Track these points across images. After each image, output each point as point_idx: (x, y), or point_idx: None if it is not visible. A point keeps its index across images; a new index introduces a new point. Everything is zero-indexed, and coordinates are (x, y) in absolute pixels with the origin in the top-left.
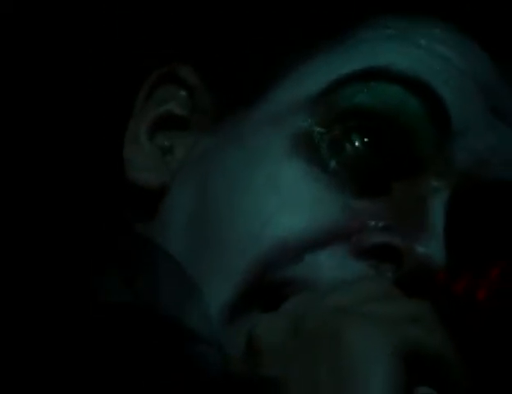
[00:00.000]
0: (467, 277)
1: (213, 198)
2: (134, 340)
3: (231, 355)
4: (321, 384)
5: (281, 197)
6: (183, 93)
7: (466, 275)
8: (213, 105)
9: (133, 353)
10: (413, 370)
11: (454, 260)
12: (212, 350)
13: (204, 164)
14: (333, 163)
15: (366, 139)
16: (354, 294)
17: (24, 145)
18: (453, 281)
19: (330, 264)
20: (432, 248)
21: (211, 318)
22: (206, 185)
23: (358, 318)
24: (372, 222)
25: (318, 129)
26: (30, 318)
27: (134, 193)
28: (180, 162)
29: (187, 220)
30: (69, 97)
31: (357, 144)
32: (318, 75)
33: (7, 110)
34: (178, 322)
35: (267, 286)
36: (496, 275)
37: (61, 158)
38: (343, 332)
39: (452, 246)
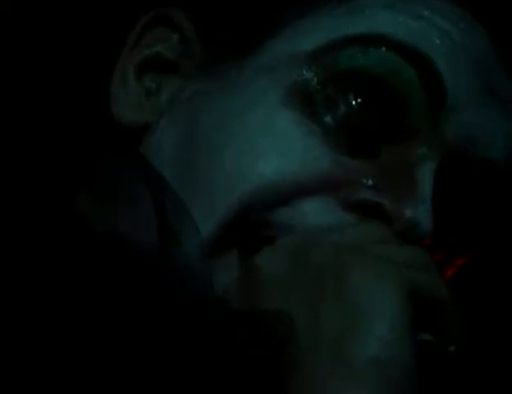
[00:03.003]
0: (444, 251)
1: (202, 138)
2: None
3: (226, 289)
4: (324, 318)
5: (273, 141)
6: (175, 36)
7: (444, 249)
8: (205, 52)
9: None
10: (416, 314)
11: (437, 231)
12: (205, 286)
13: (193, 107)
14: (327, 119)
15: (360, 100)
16: (355, 234)
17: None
18: (433, 250)
19: (316, 211)
20: (419, 214)
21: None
22: (195, 126)
23: (365, 257)
24: (362, 179)
25: (314, 85)
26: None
27: (118, 131)
28: (166, 105)
29: (173, 158)
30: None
31: (352, 103)
32: (318, 32)
33: None
34: (169, 257)
35: (249, 226)
36: (463, 261)
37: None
38: (349, 269)
39: (435, 217)
